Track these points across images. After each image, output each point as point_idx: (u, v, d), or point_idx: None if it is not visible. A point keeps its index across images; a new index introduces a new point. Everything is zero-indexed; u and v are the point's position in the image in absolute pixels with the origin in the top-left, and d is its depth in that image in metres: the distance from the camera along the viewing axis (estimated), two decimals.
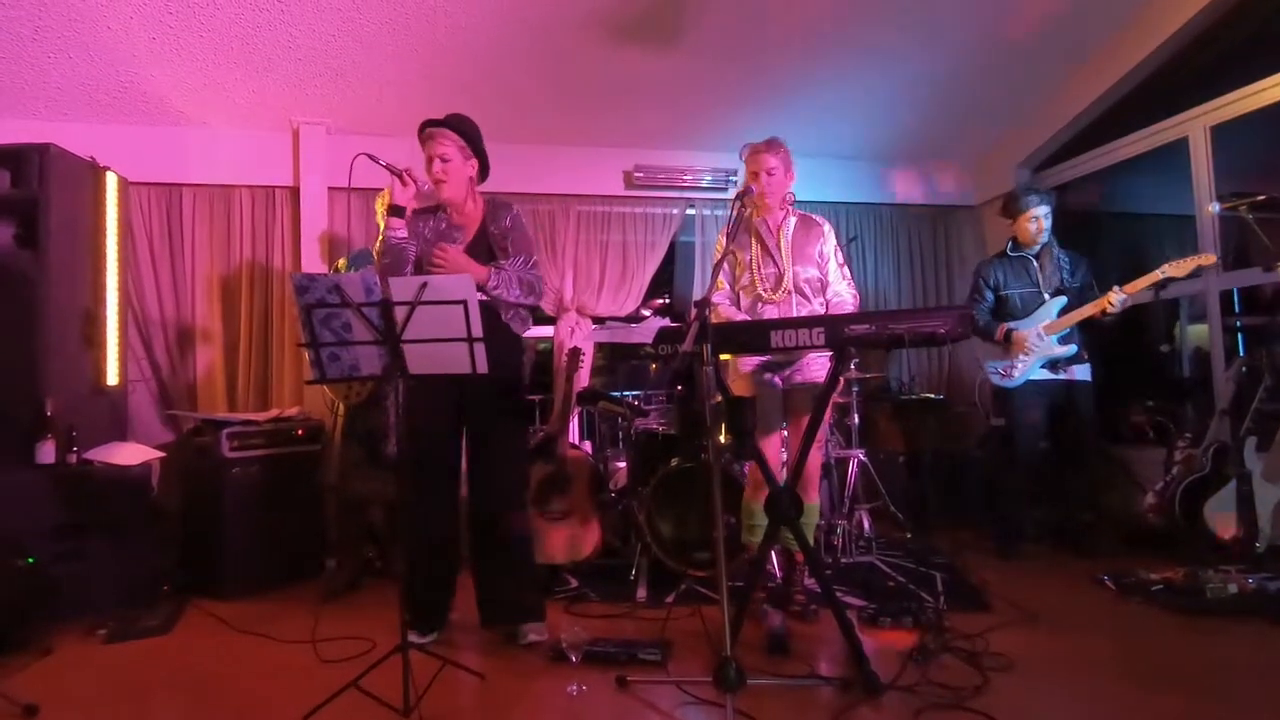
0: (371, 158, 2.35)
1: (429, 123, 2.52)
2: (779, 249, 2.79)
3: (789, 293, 2.75)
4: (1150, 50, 3.83)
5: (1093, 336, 3.58)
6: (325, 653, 2.43)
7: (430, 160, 2.51)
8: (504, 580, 2.56)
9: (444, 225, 2.59)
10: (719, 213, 4.67)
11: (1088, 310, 3.40)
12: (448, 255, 2.44)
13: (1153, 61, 3.90)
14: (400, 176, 2.42)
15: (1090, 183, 4.63)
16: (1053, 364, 3.52)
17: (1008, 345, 3.55)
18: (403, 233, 2.46)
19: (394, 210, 2.44)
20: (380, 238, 2.50)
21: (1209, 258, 3.26)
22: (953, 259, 5.10)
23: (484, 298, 2.44)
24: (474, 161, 2.57)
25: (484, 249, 2.55)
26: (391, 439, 3.30)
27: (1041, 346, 3.49)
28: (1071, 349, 3.50)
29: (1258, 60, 3.56)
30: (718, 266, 2.44)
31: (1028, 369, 3.52)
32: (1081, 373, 3.55)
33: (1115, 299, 3.32)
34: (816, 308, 2.80)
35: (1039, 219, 3.57)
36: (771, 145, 2.78)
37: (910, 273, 5.04)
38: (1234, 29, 3.65)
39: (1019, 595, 2.86)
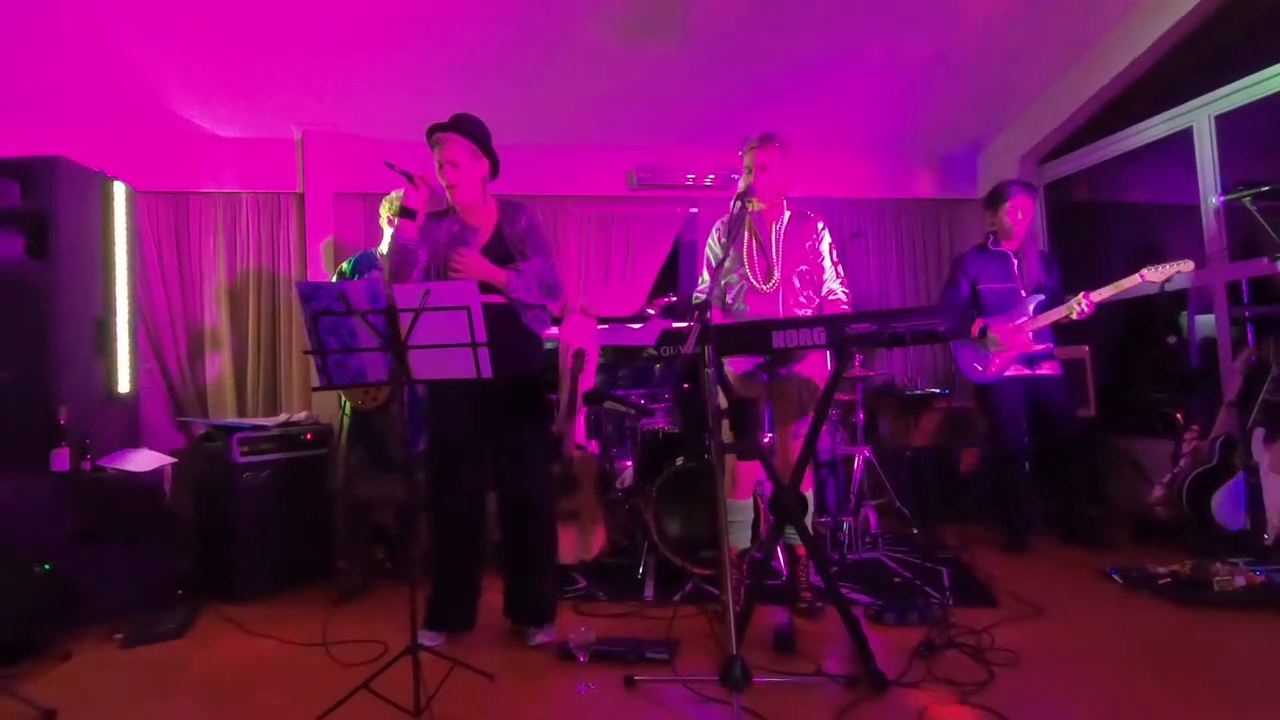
0: (389, 165, 2.41)
1: (435, 127, 2.50)
2: (771, 244, 2.80)
3: (778, 286, 2.76)
4: (1154, 39, 3.80)
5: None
6: (338, 655, 2.46)
7: (440, 165, 2.49)
8: (520, 580, 2.59)
9: (457, 228, 2.56)
10: (722, 212, 4.67)
11: (1055, 315, 3.41)
12: (467, 259, 2.42)
13: (1157, 51, 3.87)
14: (412, 180, 2.43)
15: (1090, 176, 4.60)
16: (1028, 360, 3.52)
17: (982, 341, 3.53)
18: (412, 234, 2.47)
19: (405, 212, 2.45)
20: (386, 239, 2.52)
21: (1188, 264, 3.23)
22: (956, 253, 5.08)
23: (504, 300, 2.45)
24: (484, 162, 2.54)
25: (500, 251, 2.52)
26: (399, 444, 3.32)
27: (1017, 342, 3.49)
28: (1046, 348, 3.51)
29: (1263, 49, 3.54)
30: (712, 266, 2.44)
31: (1005, 365, 3.52)
32: (1054, 367, 3.56)
33: (1083, 303, 3.31)
34: (803, 301, 2.80)
35: (1021, 211, 3.56)
36: (764, 141, 2.78)
37: (914, 267, 5.02)
38: (1238, 17, 3.63)
39: (1025, 590, 2.86)
